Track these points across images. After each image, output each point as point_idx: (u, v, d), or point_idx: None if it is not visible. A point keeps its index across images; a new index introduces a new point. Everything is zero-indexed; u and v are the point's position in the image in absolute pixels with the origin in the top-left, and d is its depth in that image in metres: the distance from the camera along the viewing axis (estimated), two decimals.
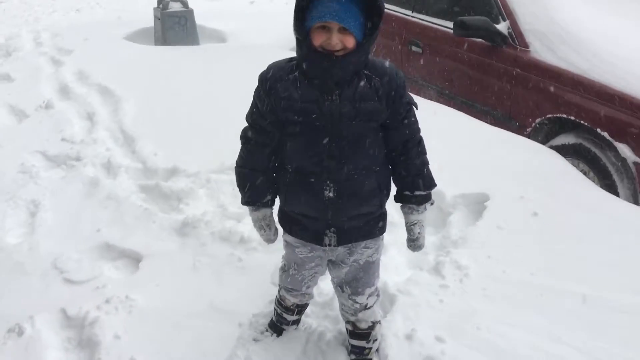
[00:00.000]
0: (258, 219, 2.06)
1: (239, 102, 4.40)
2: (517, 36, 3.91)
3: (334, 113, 1.78)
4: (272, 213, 2.07)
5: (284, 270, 2.23)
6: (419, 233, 2.03)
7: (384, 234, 2.11)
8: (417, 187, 1.97)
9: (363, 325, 2.18)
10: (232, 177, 3.49)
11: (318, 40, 1.69)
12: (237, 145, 3.77)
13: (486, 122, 3.91)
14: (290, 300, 2.27)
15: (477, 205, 3.10)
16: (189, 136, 4.10)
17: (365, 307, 2.14)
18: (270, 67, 1.88)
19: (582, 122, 3.48)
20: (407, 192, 1.99)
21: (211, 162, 3.70)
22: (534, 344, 2.27)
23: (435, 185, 2.03)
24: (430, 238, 3.01)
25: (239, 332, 2.40)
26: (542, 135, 3.84)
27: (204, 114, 4.42)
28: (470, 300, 2.51)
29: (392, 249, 2.91)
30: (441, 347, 2.26)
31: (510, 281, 2.59)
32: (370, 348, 2.25)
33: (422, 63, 4.70)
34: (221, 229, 3.07)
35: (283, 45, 7.15)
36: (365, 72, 1.79)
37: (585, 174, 3.45)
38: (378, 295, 2.19)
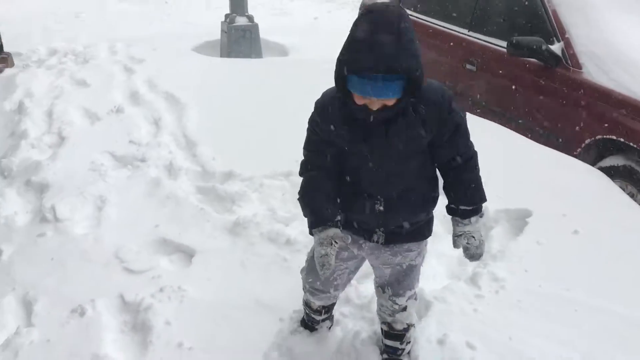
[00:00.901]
0: (328, 236, 1.97)
1: (294, 113, 4.63)
2: (570, 57, 3.93)
3: (382, 146, 1.87)
4: (339, 232, 2.00)
5: (308, 272, 2.29)
6: (467, 244, 2.04)
7: (428, 240, 2.19)
8: (462, 201, 2.02)
9: (399, 327, 2.28)
10: (283, 182, 3.73)
11: (359, 100, 1.76)
12: (289, 154, 3.96)
13: (535, 141, 3.94)
14: (316, 303, 2.38)
15: (519, 220, 3.15)
16: (246, 143, 4.31)
17: (404, 309, 2.24)
18: (324, 95, 1.97)
19: (631, 144, 3.47)
20: (452, 205, 2.04)
21: (265, 168, 3.89)
22: (564, 358, 2.31)
23: (483, 200, 2.05)
24: None
25: (279, 325, 2.55)
26: (592, 156, 3.84)
27: (261, 123, 4.63)
28: (504, 311, 2.58)
29: (432, 258, 3.00)
30: (471, 354, 2.34)
31: (546, 295, 2.64)
32: (403, 349, 2.34)
33: (475, 81, 4.77)
34: (270, 230, 3.24)
35: None
36: (411, 99, 1.79)
37: (632, 196, 3.44)
38: (416, 299, 2.29)
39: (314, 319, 2.46)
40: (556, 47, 4.02)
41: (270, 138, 4.35)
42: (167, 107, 5.14)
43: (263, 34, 8.01)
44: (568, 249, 2.91)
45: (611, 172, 3.61)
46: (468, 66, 4.83)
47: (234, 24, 7.69)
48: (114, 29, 9.09)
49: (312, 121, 2.01)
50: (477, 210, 2.05)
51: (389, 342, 2.34)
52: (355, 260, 2.24)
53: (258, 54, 7.77)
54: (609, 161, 3.69)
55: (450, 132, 1.91)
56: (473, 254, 2.06)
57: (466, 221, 2.04)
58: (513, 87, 4.34)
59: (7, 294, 2.82)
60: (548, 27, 4.15)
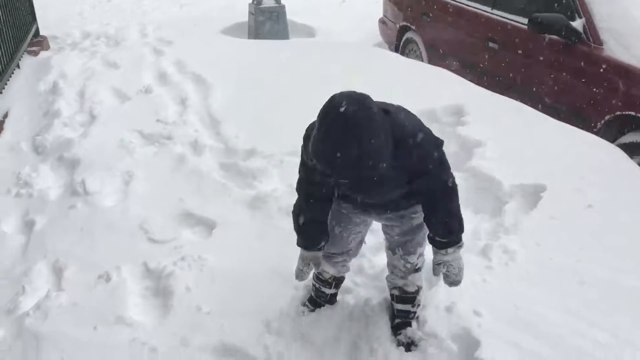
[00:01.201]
0: (308, 258, 2.32)
1: (317, 92, 4.70)
2: (591, 33, 3.91)
3: (363, 189, 2.08)
4: (322, 255, 2.34)
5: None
6: (446, 272, 2.18)
7: None
8: (437, 233, 2.14)
9: (410, 289, 2.39)
10: None
11: None
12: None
13: (555, 118, 3.94)
14: (330, 271, 2.48)
15: (533, 195, 3.18)
16: (269, 122, 4.40)
17: (416, 269, 2.35)
18: (309, 129, 2.04)
19: None
20: (430, 235, 2.16)
21: (286, 145, 3.97)
22: (570, 326, 2.36)
23: (460, 232, 2.14)
24: (483, 224, 3.13)
25: (293, 293, 2.66)
26: (612, 133, 3.82)
27: (284, 102, 4.71)
28: (513, 282, 2.63)
29: None
30: (478, 321, 2.40)
31: (555, 267, 2.68)
32: (415, 312, 2.44)
33: (497, 59, 4.76)
34: (288, 204, 3.31)
35: (369, 42, 7.39)
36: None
37: None
38: (424, 258, 2.41)
39: (323, 293, 2.55)
40: (577, 24, 4.00)
41: (292, 117, 4.39)
42: (194, 88, 5.26)
43: (290, 15, 8.07)
44: (581, 223, 2.93)
45: (632, 149, 3.59)
46: (490, 44, 4.82)
47: (262, 6, 7.78)
48: (145, 13, 9.28)
49: (303, 147, 2.13)
50: (453, 242, 2.14)
51: (400, 307, 2.43)
52: (365, 225, 2.39)
53: (285, 36, 7.85)
54: (629, 137, 3.67)
55: (425, 169, 2.02)
56: (452, 281, 2.21)
57: (443, 251, 2.15)
58: (534, 64, 4.33)
59: (39, 260, 2.99)
60: (569, 3, 4.12)
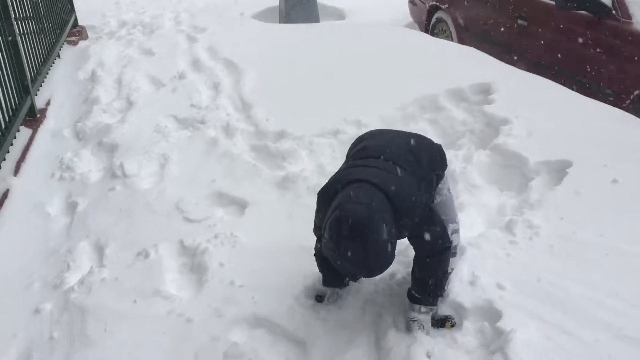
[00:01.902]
0: (333, 293, 2.56)
1: (345, 75, 4.79)
2: (620, 8, 3.86)
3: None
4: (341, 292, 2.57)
5: None
6: (417, 329, 2.34)
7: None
8: (415, 288, 2.38)
9: None
10: (332, 140, 3.91)
11: None
12: (337, 114, 4.14)
13: (584, 94, 3.91)
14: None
15: (559, 172, 3.19)
16: (298, 105, 4.49)
17: (452, 245, 2.40)
18: (324, 193, 2.26)
19: None
20: (410, 287, 2.40)
21: (315, 127, 4.08)
22: (591, 298, 2.40)
23: (433, 298, 2.36)
24: (509, 201, 3.17)
25: None
26: None
27: (313, 86, 4.79)
28: (536, 256, 2.67)
29: (471, 208, 3.12)
30: (500, 293, 2.46)
31: (579, 241, 2.71)
32: (445, 290, 2.49)
33: (526, 36, 4.73)
34: (316, 184, 3.42)
35: (398, 22, 7.37)
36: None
37: None
38: (459, 236, 2.53)
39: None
40: None
41: (320, 98, 4.52)
42: (226, 73, 5.38)
43: None
44: (606, 197, 2.94)
45: None
46: (520, 21, 4.79)
47: None
48: (179, 1, 9.42)
49: (317, 202, 2.32)
50: (426, 302, 2.37)
51: None
52: None
53: (315, 19, 7.88)
54: None
55: (423, 236, 2.24)
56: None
57: (417, 307, 2.37)
58: (563, 40, 4.30)
59: (82, 239, 3.17)
60: None
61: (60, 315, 2.62)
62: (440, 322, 2.40)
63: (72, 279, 2.86)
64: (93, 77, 5.46)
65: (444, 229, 2.31)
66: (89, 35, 7.33)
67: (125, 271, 2.87)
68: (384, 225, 2.00)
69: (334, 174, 2.46)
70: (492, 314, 2.39)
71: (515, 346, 2.19)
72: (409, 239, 2.31)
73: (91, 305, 2.64)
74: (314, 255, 2.53)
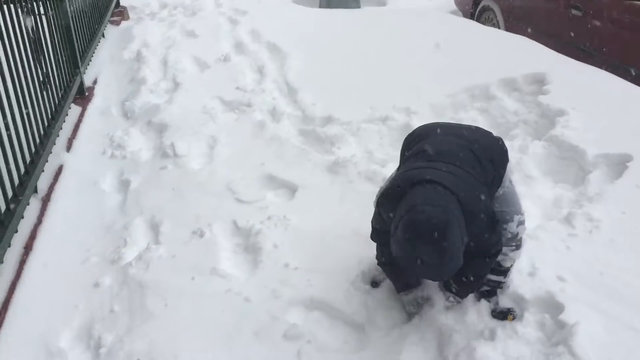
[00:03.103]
0: (413, 299, 2.44)
1: (390, 61, 4.75)
2: None
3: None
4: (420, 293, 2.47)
5: None
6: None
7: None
8: (456, 280, 2.37)
9: (507, 264, 2.42)
10: (380, 127, 3.89)
11: None
12: (385, 100, 4.11)
13: None
14: None
15: (619, 165, 3.13)
16: (344, 90, 4.47)
17: (516, 237, 2.38)
18: (384, 201, 2.23)
19: None
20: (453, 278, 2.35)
21: (362, 113, 4.06)
22: None
23: (466, 292, 2.40)
24: (566, 193, 3.12)
25: (374, 253, 2.75)
26: None
27: (358, 71, 4.77)
28: (597, 250, 2.63)
29: (527, 200, 3.06)
30: (561, 285, 2.44)
31: None
32: (505, 282, 2.47)
33: (581, 26, 4.63)
34: (367, 170, 3.42)
35: (441, 8, 7.28)
36: None
37: None
38: (525, 227, 2.46)
39: None
40: None
41: (367, 85, 4.50)
42: (270, 56, 5.38)
43: None
44: None
45: None
46: (574, 11, 4.69)
47: None
48: None
49: (378, 204, 2.31)
50: (458, 293, 2.40)
51: (493, 277, 2.44)
52: None
53: (356, 4, 7.83)
54: None
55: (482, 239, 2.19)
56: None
57: (448, 294, 2.41)
58: (621, 31, 4.19)
59: (136, 216, 3.20)
60: None
61: (120, 290, 2.65)
62: (503, 315, 2.37)
63: (130, 254, 2.89)
64: (138, 57, 5.49)
65: (500, 236, 2.25)
66: (130, 16, 7.37)
67: (182, 249, 2.90)
68: (460, 229, 1.98)
69: (393, 175, 2.44)
70: (553, 306, 2.36)
71: (579, 339, 2.16)
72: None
73: (150, 280, 2.67)
74: (378, 265, 2.51)
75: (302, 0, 8.24)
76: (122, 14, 7.17)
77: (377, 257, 2.47)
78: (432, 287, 2.49)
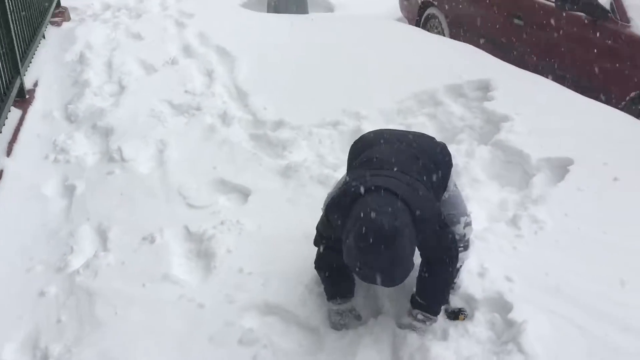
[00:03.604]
0: (343, 309, 2.41)
1: (340, 67, 4.78)
2: (618, 10, 3.96)
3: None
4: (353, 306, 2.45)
5: None
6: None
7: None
8: (420, 293, 2.34)
9: (457, 265, 2.44)
10: (331, 131, 3.91)
11: None
12: (336, 105, 4.13)
13: (581, 94, 4.00)
14: None
15: (561, 169, 3.25)
16: (295, 95, 4.47)
17: (464, 239, 2.46)
18: (333, 208, 2.20)
19: None
20: (413, 292, 2.36)
21: (313, 118, 4.07)
22: (598, 291, 2.46)
23: (436, 306, 2.34)
24: (511, 196, 3.22)
25: None
26: (636, 109, 3.89)
27: (308, 76, 4.78)
28: (542, 251, 2.73)
29: (474, 203, 3.15)
30: (509, 285, 2.51)
31: (584, 237, 2.77)
32: (456, 282, 2.53)
33: (523, 35, 4.81)
34: (319, 173, 3.44)
35: (387, 15, 7.40)
36: None
37: None
38: (472, 229, 2.53)
39: None
40: (605, 1, 4.05)
41: (317, 90, 4.52)
42: (219, 60, 5.32)
43: None
44: (607, 195, 3.02)
45: None
46: (516, 20, 4.86)
47: None
48: None
49: (324, 220, 2.29)
50: (426, 309, 2.34)
51: None
52: None
53: (304, 10, 7.85)
54: None
55: (437, 245, 2.25)
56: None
57: (415, 312, 2.34)
58: (560, 40, 4.38)
59: (82, 223, 3.11)
60: None
61: (66, 299, 2.57)
62: (454, 315, 2.43)
63: (76, 262, 2.81)
64: (81, 60, 5.34)
65: (454, 238, 2.30)
66: (72, 17, 7.16)
67: (132, 255, 2.83)
68: (409, 236, 2.00)
69: (342, 181, 2.46)
70: (502, 306, 2.43)
71: (527, 337, 2.23)
72: (418, 247, 2.26)
73: (99, 288, 2.60)
74: (315, 268, 2.46)
75: (250, 4, 8.22)
76: (62, 14, 6.95)
77: (316, 262, 2.46)
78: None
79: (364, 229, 1.97)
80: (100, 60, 5.34)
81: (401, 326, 2.38)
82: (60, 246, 2.94)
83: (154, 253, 2.85)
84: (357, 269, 2.04)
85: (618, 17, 3.96)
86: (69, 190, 3.43)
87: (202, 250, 2.87)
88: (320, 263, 2.43)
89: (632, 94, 3.82)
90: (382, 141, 2.49)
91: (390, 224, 1.95)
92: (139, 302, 2.52)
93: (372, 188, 2.10)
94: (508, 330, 2.32)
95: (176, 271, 2.74)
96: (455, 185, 2.59)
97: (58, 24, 6.61)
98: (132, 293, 2.57)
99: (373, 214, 1.98)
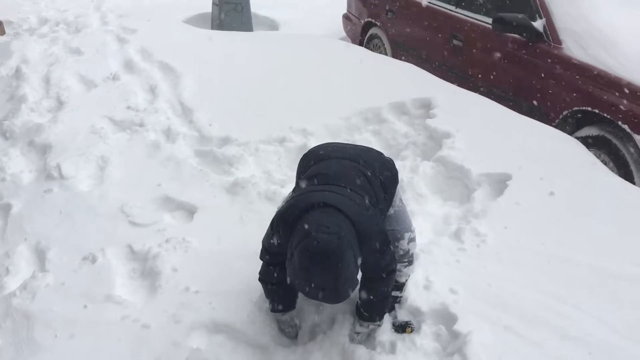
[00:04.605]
0: (286, 321, 2.47)
1: (285, 84, 4.81)
2: (551, 33, 4.16)
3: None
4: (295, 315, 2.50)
5: None
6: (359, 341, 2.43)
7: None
8: (365, 307, 2.40)
9: (402, 280, 2.55)
10: (278, 148, 3.92)
11: None
12: (282, 122, 4.14)
13: (517, 112, 4.17)
14: None
15: (500, 183, 3.37)
16: (240, 111, 4.46)
17: (408, 254, 2.51)
18: (280, 223, 2.21)
19: (605, 115, 3.72)
20: (358, 304, 2.42)
21: (259, 134, 4.07)
22: (538, 301, 2.55)
23: (381, 316, 2.43)
24: (454, 210, 3.31)
25: None
26: (569, 127, 4.09)
27: (253, 93, 4.77)
28: (484, 263, 2.81)
29: (418, 217, 3.22)
30: (454, 297, 2.57)
31: (523, 249, 2.87)
32: (402, 296, 2.59)
33: (461, 56, 4.98)
34: (266, 190, 3.43)
35: (331, 35, 7.50)
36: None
37: (605, 164, 3.69)
38: (416, 244, 2.59)
39: None
40: (538, 24, 4.25)
41: (263, 106, 4.52)
42: (162, 76, 5.25)
43: (254, 8, 8.09)
44: (544, 208, 3.14)
45: (587, 141, 3.86)
46: (455, 41, 5.03)
47: None
48: (103, 0, 9.09)
49: (273, 226, 2.27)
50: (375, 320, 2.43)
51: (393, 293, 2.52)
52: None
53: (249, 28, 7.87)
54: (584, 131, 3.93)
55: (377, 262, 2.25)
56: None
57: (365, 324, 2.43)
58: (497, 61, 4.56)
59: (19, 243, 2.99)
60: (531, 4, 4.36)
61: (2, 322, 2.46)
62: (401, 328, 2.46)
63: (13, 284, 2.69)
64: (18, 74, 5.17)
65: (393, 254, 2.34)
66: (7, 31, 6.94)
67: (72, 276, 2.74)
68: (353, 253, 2.03)
69: (289, 197, 2.46)
70: (447, 318, 2.48)
71: (472, 348, 2.28)
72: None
73: (37, 310, 2.49)
74: (259, 280, 2.45)
75: (194, 21, 8.17)
76: None
77: (260, 273, 2.45)
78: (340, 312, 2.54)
79: (308, 247, 1.97)
80: (38, 75, 5.18)
81: (352, 338, 2.41)
82: None
83: (96, 273, 2.76)
84: (301, 287, 2.04)
85: (551, 39, 4.16)
86: (4, 209, 3.29)
87: (147, 269, 2.81)
88: (264, 276, 2.42)
89: (565, 112, 4.01)
90: (329, 156, 2.51)
91: (333, 242, 1.97)
92: (80, 324, 2.44)
93: (318, 204, 2.11)
94: (453, 342, 2.37)
95: (119, 291, 2.66)
96: (401, 200, 2.64)
97: None
98: (72, 315, 2.48)
99: (317, 232, 1.99)
